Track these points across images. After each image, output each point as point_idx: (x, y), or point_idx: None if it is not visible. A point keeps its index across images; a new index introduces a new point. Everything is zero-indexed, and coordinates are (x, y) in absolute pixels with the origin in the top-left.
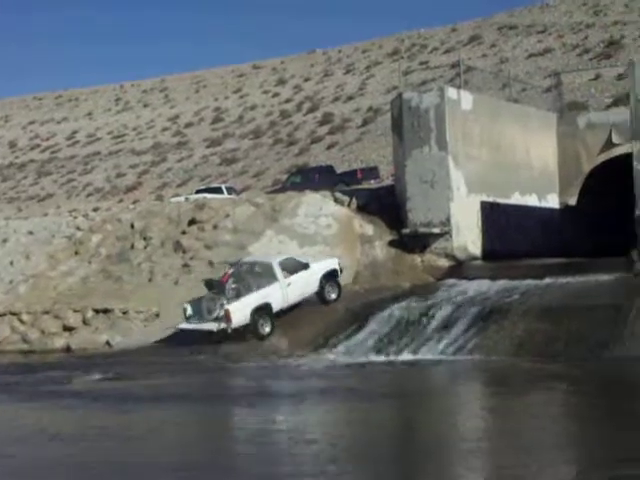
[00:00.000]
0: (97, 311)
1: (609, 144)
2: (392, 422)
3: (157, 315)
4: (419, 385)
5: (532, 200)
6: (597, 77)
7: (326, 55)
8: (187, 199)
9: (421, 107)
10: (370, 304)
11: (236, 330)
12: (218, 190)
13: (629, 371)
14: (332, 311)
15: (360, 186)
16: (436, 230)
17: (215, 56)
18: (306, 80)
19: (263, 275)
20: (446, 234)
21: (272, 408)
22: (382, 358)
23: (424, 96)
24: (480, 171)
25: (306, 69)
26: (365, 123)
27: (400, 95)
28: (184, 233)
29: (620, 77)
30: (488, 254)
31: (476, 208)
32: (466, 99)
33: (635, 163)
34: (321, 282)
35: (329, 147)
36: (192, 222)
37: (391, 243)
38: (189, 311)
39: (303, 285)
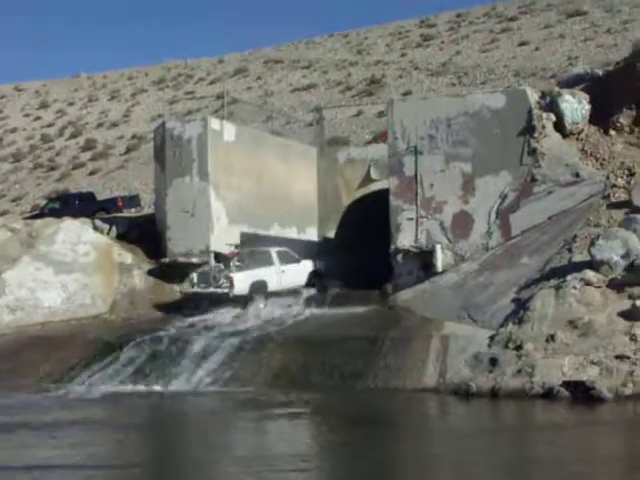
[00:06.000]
0: None
1: (368, 179)
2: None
3: None
4: (158, 416)
5: (292, 232)
6: (359, 113)
7: (91, 80)
8: None
9: (184, 137)
10: (127, 334)
11: (236, 298)
12: None
13: (377, 401)
14: (87, 342)
15: (121, 214)
16: (195, 260)
17: None
18: (70, 104)
19: (262, 260)
20: (205, 264)
21: None
22: (135, 389)
23: (187, 126)
24: (241, 202)
25: (70, 93)
26: (128, 151)
27: (163, 124)
28: None
29: (380, 114)
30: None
31: (236, 239)
32: (229, 130)
33: (391, 198)
34: (310, 277)
35: (91, 173)
36: None
37: (150, 272)
38: (195, 279)
39: (294, 275)
